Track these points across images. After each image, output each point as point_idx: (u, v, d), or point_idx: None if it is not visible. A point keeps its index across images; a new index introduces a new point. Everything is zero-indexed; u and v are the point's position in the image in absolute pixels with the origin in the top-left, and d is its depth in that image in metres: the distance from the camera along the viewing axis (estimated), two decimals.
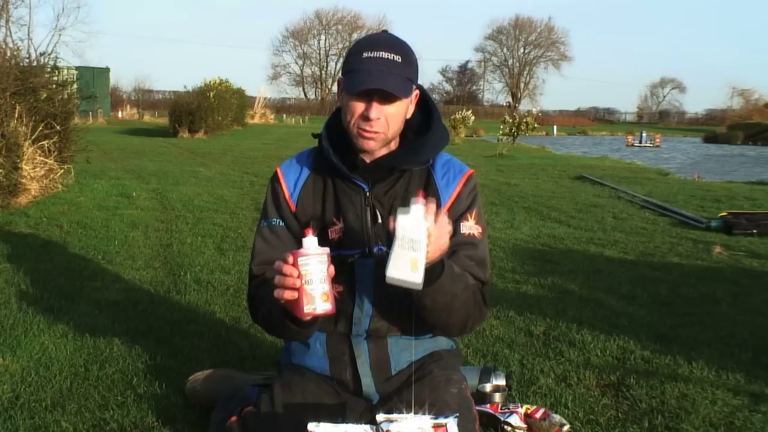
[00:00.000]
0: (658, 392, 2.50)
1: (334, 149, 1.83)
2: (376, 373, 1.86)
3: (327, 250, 1.57)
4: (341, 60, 66.90)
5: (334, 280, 1.84)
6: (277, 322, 1.71)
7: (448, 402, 1.74)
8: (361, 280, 1.83)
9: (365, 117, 1.73)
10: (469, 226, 1.85)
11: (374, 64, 1.70)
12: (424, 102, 1.88)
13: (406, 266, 1.50)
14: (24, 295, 3.51)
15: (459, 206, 1.86)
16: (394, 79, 1.70)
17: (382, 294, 1.82)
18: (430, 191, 1.85)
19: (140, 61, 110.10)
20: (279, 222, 1.88)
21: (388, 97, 1.72)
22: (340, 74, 1.82)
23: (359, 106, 1.73)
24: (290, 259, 1.55)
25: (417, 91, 1.83)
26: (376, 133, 1.75)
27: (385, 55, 1.71)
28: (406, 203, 1.85)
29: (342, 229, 1.85)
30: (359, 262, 1.83)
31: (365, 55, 1.71)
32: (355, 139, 1.78)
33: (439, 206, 1.84)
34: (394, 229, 1.50)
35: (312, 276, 1.54)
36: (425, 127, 1.87)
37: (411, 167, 1.85)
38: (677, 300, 3.84)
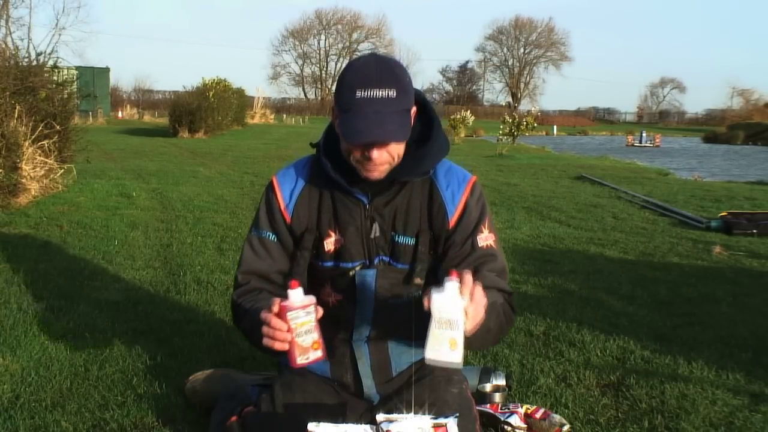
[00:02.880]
0: (658, 392, 2.50)
1: (333, 161, 1.77)
2: (377, 375, 1.86)
3: (313, 299, 1.56)
4: (341, 60, 67.35)
5: (334, 289, 1.85)
6: (259, 344, 1.65)
7: (448, 402, 1.75)
8: (362, 290, 1.83)
9: (367, 157, 1.67)
10: (485, 237, 1.82)
11: (369, 104, 1.61)
12: (424, 109, 1.82)
13: (444, 346, 1.46)
14: (24, 295, 3.51)
15: (470, 218, 1.82)
16: (392, 122, 1.63)
17: (382, 302, 1.83)
18: (435, 203, 1.82)
19: (140, 61, 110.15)
20: (270, 235, 1.85)
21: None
22: (332, 102, 1.73)
23: (358, 148, 1.67)
24: (275, 308, 1.52)
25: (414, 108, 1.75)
26: (380, 166, 1.69)
27: (379, 93, 1.61)
28: (407, 215, 1.81)
29: (339, 241, 1.82)
30: (360, 273, 1.82)
31: (359, 94, 1.61)
32: (358, 170, 1.72)
33: (445, 218, 1.81)
34: (429, 309, 1.45)
35: (302, 328, 1.54)
36: (425, 135, 1.82)
37: (412, 179, 1.81)
38: (677, 300, 3.84)
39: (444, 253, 1.82)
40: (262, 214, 1.87)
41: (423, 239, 1.81)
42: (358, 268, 1.82)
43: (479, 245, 1.80)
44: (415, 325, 1.85)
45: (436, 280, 1.90)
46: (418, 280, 1.83)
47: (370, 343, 1.87)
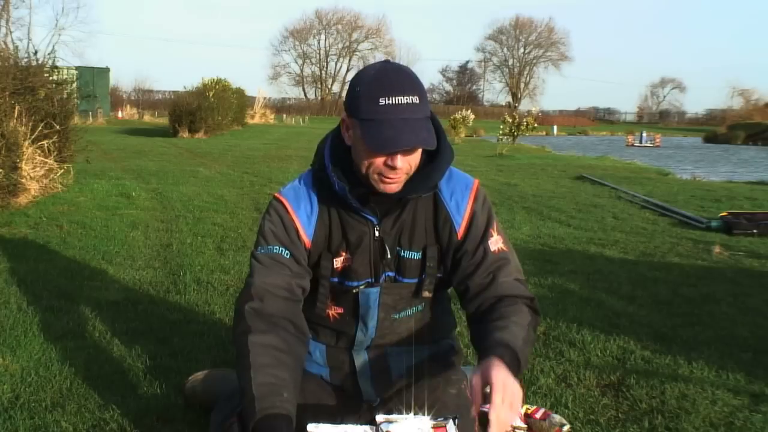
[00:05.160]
0: (658, 392, 2.50)
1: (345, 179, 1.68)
2: (376, 381, 1.87)
3: None
4: (341, 60, 67.51)
5: (334, 302, 1.83)
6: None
7: (447, 403, 1.74)
8: (365, 306, 1.81)
9: (390, 167, 1.58)
10: (495, 241, 1.76)
11: (395, 112, 1.54)
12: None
13: None
14: (24, 295, 3.51)
15: (478, 225, 1.76)
16: (421, 128, 1.56)
17: (385, 317, 1.83)
18: (440, 216, 1.76)
19: (140, 61, 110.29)
20: (284, 251, 1.72)
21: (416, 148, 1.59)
22: (345, 113, 1.64)
23: (382, 158, 1.58)
24: None
25: None
26: (401, 175, 1.62)
27: (403, 100, 1.54)
28: (413, 230, 1.75)
29: (348, 260, 1.77)
30: (364, 291, 1.80)
31: (382, 102, 1.54)
32: (375, 184, 1.63)
33: (453, 230, 1.76)
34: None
35: None
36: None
37: (420, 194, 1.73)
38: (677, 300, 3.83)
39: (456, 264, 1.77)
40: (270, 233, 1.73)
41: (430, 254, 1.77)
42: (362, 287, 1.79)
43: (491, 250, 1.75)
44: (415, 330, 1.85)
45: (443, 291, 1.89)
46: (426, 293, 1.81)
47: (370, 351, 1.87)
